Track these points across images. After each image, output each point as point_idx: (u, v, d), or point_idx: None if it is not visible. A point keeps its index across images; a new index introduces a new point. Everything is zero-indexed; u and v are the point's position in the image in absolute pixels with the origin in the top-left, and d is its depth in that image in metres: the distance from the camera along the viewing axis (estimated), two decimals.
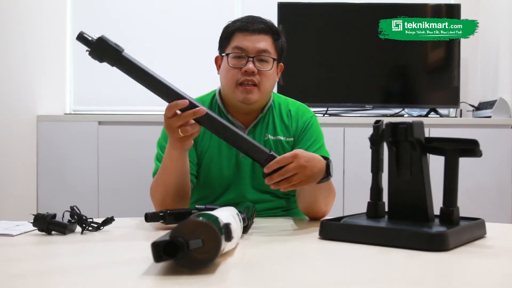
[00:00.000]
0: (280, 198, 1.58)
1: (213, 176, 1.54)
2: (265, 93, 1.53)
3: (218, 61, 1.59)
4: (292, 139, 1.58)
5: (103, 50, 1.11)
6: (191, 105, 1.22)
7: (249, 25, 1.51)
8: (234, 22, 1.55)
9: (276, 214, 1.58)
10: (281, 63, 1.60)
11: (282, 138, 1.57)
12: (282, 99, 1.65)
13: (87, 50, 1.12)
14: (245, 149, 1.28)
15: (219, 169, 1.54)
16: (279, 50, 1.55)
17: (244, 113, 1.55)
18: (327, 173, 1.32)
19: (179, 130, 1.23)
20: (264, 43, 1.50)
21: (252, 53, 1.49)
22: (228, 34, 1.53)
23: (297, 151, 1.27)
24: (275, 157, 1.25)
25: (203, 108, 1.22)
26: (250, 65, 1.48)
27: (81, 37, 1.11)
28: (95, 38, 1.11)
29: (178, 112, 1.22)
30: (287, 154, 1.25)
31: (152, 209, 1.37)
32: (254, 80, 1.48)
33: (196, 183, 1.55)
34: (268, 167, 1.24)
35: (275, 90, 1.66)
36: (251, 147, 1.27)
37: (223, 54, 1.54)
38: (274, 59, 1.52)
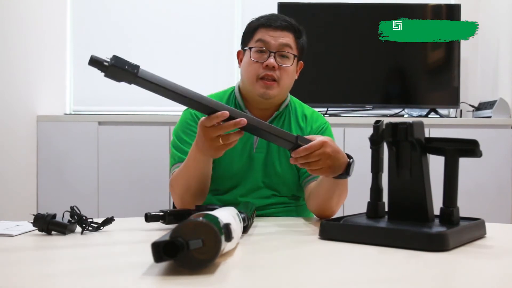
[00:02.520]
0: (290, 196, 1.60)
1: (222, 170, 1.55)
2: (284, 89, 1.56)
3: (240, 55, 1.62)
4: None
5: (119, 70, 1.08)
6: (233, 115, 1.20)
7: (272, 21, 1.53)
8: (258, 18, 1.57)
9: (279, 208, 1.58)
10: (301, 61, 1.62)
11: None
12: (298, 102, 1.68)
13: (102, 72, 1.09)
14: (273, 139, 1.27)
15: (229, 164, 1.55)
16: (300, 47, 1.57)
17: (262, 108, 1.58)
18: (346, 172, 1.33)
19: (220, 139, 1.22)
20: (286, 38, 1.53)
21: (274, 48, 1.51)
22: (251, 30, 1.56)
23: (326, 138, 1.28)
24: (301, 145, 1.26)
25: (244, 120, 1.20)
26: (272, 60, 1.50)
27: (94, 61, 1.07)
28: (108, 60, 1.07)
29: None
30: (316, 141, 1.26)
31: (152, 209, 1.37)
32: (274, 76, 1.51)
33: None
34: (295, 152, 1.26)
35: None
36: (281, 134, 1.27)
37: (245, 48, 1.56)
38: (295, 56, 1.54)
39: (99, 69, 1.08)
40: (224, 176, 1.55)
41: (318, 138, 1.27)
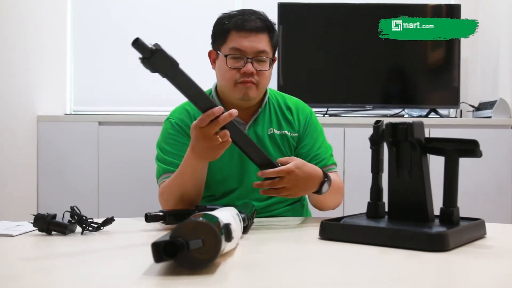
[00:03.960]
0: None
1: (214, 174, 1.53)
2: (262, 90, 1.55)
3: (212, 55, 1.57)
4: (296, 134, 1.60)
5: (161, 61, 1.06)
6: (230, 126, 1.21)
7: (245, 23, 1.48)
8: (229, 17, 1.52)
9: (277, 210, 1.59)
10: (275, 57, 1.59)
11: (287, 133, 1.59)
12: (278, 94, 1.66)
13: (141, 58, 1.06)
14: (253, 157, 1.30)
15: (220, 167, 1.53)
16: (274, 46, 1.55)
17: (242, 109, 1.55)
18: (319, 191, 1.37)
19: (218, 136, 1.21)
20: (261, 43, 1.49)
21: (251, 54, 1.48)
22: (223, 31, 1.51)
23: (295, 166, 1.30)
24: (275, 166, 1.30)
25: (235, 110, 1.21)
26: (249, 67, 1.47)
27: (138, 44, 1.04)
28: (154, 47, 1.05)
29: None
30: (284, 168, 1.29)
31: (152, 209, 1.37)
32: (253, 80, 1.49)
33: None
34: (264, 172, 1.28)
35: (275, 88, 1.66)
36: (261, 156, 1.29)
37: (219, 52, 1.52)
38: (271, 59, 1.53)
39: (141, 53, 1.05)
40: (216, 180, 1.53)
41: (288, 164, 1.30)
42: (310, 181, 1.34)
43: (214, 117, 1.18)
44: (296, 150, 1.59)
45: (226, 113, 1.19)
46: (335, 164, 1.60)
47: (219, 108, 1.18)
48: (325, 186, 1.38)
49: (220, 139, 1.22)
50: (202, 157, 1.30)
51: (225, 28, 1.51)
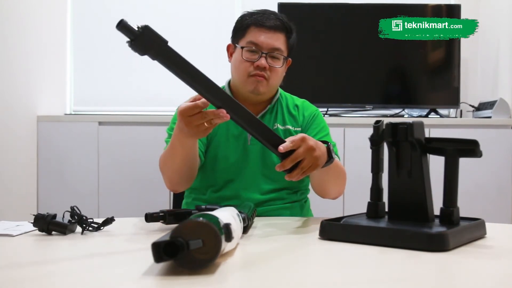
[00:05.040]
0: (290, 188, 1.61)
1: (219, 162, 1.57)
2: (273, 87, 1.60)
3: (230, 49, 1.63)
4: (299, 128, 1.64)
5: (149, 41, 1.02)
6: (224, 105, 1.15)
7: (265, 20, 1.55)
8: (251, 14, 1.58)
9: (278, 205, 1.59)
10: (290, 58, 1.64)
11: (290, 127, 1.63)
12: (288, 95, 1.72)
13: (128, 41, 1.03)
14: (260, 135, 1.23)
15: (225, 156, 1.57)
16: (290, 47, 1.61)
17: (253, 103, 1.60)
18: (329, 156, 1.34)
19: (205, 122, 1.20)
20: (278, 41, 1.55)
21: (266, 50, 1.54)
22: (243, 26, 1.57)
23: (303, 134, 1.27)
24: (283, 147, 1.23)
25: (223, 111, 1.16)
26: (263, 61, 1.53)
27: (123, 26, 1.00)
28: (139, 27, 1.02)
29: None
30: (296, 137, 1.24)
31: (152, 209, 1.37)
32: (265, 75, 1.54)
33: (202, 168, 1.57)
34: (284, 146, 1.21)
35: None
36: (267, 133, 1.23)
37: (236, 45, 1.58)
38: (284, 57, 1.58)
39: (127, 36, 1.02)
40: (219, 169, 1.57)
41: (297, 136, 1.25)
42: (321, 146, 1.30)
43: (198, 110, 1.17)
44: None
45: (212, 111, 1.16)
46: (337, 155, 1.59)
47: (203, 102, 1.16)
48: (332, 149, 1.35)
49: (206, 124, 1.20)
50: (186, 135, 1.28)
51: (245, 23, 1.57)
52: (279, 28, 1.56)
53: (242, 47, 1.55)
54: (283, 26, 1.57)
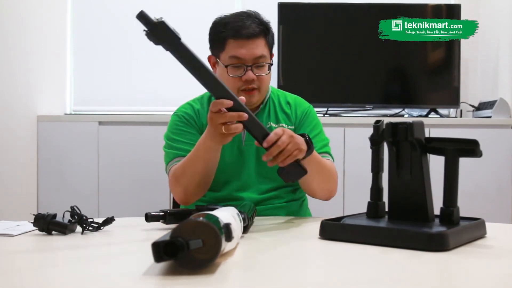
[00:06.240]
0: (286, 187, 1.61)
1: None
2: (265, 92, 1.59)
3: (211, 60, 1.60)
4: (293, 127, 1.62)
5: (163, 33, 1.13)
6: (236, 106, 1.24)
7: (242, 30, 1.50)
8: (225, 24, 1.54)
9: (281, 205, 1.59)
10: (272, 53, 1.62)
11: (284, 125, 1.61)
12: (280, 92, 1.70)
13: (144, 30, 1.14)
14: (251, 128, 1.30)
15: (221, 157, 1.54)
16: (270, 46, 1.58)
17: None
18: (309, 147, 1.35)
19: (222, 127, 1.26)
20: (259, 48, 1.51)
21: (250, 62, 1.50)
22: (220, 39, 1.53)
23: (283, 127, 1.32)
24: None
25: (245, 115, 1.24)
26: (250, 74, 1.50)
27: (142, 16, 1.12)
28: (156, 19, 1.13)
29: (223, 109, 1.24)
30: (277, 130, 1.29)
31: (152, 209, 1.37)
32: (255, 86, 1.52)
33: None
34: (267, 141, 1.27)
35: (275, 87, 1.68)
36: (257, 126, 1.29)
37: (218, 60, 1.55)
38: (270, 63, 1.55)
39: (145, 25, 1.12)
40: (216, 171, 1.54)
41: (277, 129, 1.29)
42: (299, 136, 1.34)
43: (222, 106, 1.23)
44: None
45: (235, 113, 1.23)
46: (329, 153, 1.60)
47: (228, 101, 1.22)
48: (310, 140, 1.38)
49: (223, 130, 1.25)
50: (212, 139, 1.34)
51: (222, 36, 1.52)
52: (258, 34, 1.51)
53: (226, 66, 1.50)
54: (261, 30, 1.52)
